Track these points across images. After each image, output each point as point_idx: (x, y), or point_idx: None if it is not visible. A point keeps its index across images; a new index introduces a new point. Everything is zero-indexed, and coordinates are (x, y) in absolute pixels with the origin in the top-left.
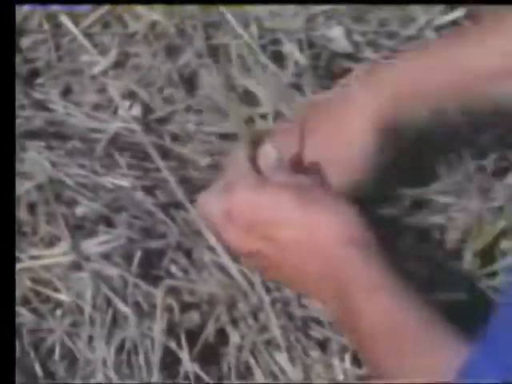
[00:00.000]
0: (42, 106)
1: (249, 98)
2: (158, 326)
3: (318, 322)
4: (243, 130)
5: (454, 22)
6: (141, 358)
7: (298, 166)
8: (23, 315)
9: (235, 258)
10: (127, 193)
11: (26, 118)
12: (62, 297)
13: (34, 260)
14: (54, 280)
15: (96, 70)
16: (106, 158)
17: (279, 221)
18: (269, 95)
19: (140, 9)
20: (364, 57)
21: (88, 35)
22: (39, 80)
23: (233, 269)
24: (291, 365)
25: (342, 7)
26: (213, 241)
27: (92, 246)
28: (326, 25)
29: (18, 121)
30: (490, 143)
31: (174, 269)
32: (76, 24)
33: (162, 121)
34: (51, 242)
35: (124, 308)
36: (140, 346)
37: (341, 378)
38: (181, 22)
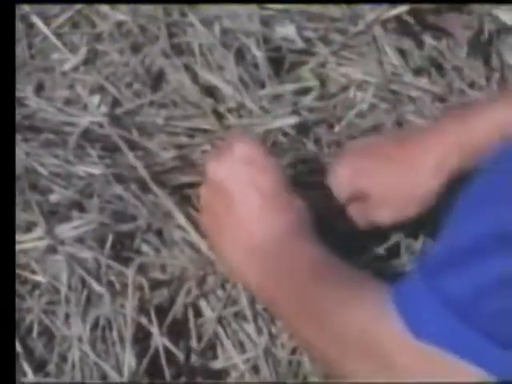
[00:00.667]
0: (17, 101)
1: (213, 93)
2: (130, 304)
3: None
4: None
5: (398, 17)
6: (114, 333)
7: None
8: None
9: (203, 234)
10: (98, 180)
11: None
12: (39, 278)
13: None
14: (32, 263)
15: (66, 66)
16: (78, 149)
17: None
18: (232, 90)
19: (106, 9)
20: (315, 51)
21: (58, 34)
22: None
23: (202, 245)
24: (258, 334)
25: (295, 6)
26: (182, 220)
27: (66, 230)
28: (281, 23)
29: None
30: None
31: (145, 248)
32: (47, 24)
33: (130, 114)
34: (28, 227)
35: (98, 287)
36: (113, 322)
37: None
38: (146, 21)
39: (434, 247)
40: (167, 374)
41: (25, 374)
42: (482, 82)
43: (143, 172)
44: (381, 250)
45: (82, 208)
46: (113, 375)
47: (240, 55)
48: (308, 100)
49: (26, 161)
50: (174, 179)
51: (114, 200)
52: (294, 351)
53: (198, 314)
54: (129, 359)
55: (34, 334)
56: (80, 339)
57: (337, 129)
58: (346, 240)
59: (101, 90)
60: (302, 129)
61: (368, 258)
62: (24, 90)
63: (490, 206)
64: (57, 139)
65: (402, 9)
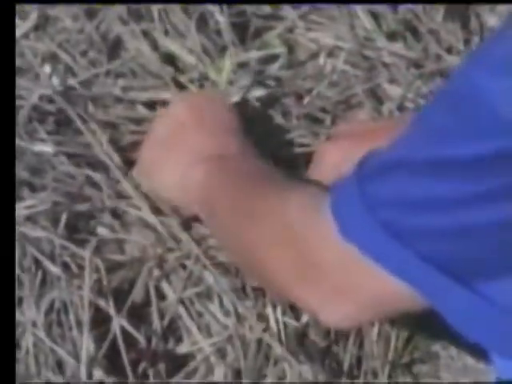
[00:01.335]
0: None
1: (173, 62)
2: (87, 286)
3: None
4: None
5: None
6: (71, 317)
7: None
8: None
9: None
10: (50, 158)
11: None
12: None
13: None
14: None
15: (16, 33)
16: (29, 124)
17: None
18: (194, 58)
19: None
20: (283, 15)
21: None
22: None
23: (157, 225)
24: (224, 315)
25: None
26: (137, 199)
27: (17, 209)
28: None
29: None
30: None
31: (100, 229)
32: None
33: (85, 84)
34: None
35: (53, 268)
36: (70, 306)
37: (274, 327)
38: None
39: (380, 151)
40: (126, 359)
41: None
42: (460, 46)
43: (98, 149)
44: None
45: (33, 187)
46: (70, 361)
47: (202, 21)
48: (275, 69)
49: None
50: (133, 154)
51: (67, 179)
52: (262, 333)
53: (160, 296)
54: (87, 344)
55: None
56: (34, 324)
57: (306, 100)
58: None
59: (53, 58)
60: (270, 101)
61: None
62: None
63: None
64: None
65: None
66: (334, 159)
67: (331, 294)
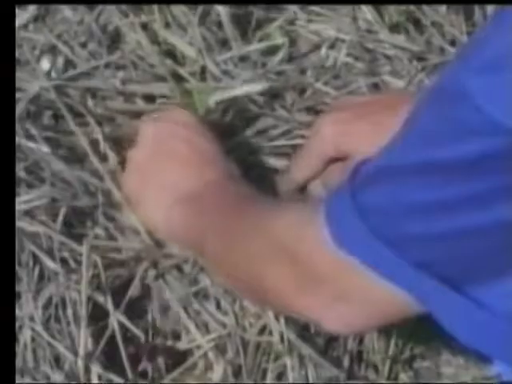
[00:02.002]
0: None
1: (174, 55)
2: (85, 281)
3: None
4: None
5: None
6: (69, 312)
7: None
8: None
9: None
10: (46, 155)
11: None
12: None
13: None
14: None
15: (15, 24)
16: (27, 119)
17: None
18: (194, 51)
19: None
20: (283, 7)
21: None
22: None
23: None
24: (222, 314)
25: None
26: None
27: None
28: None
29: None
30: None
31: (97, 230)
32: None
33: (84, 76)
34: None
35: (51, 264)
36: (68, 301)
37: (273, 324)
38: None
39: (370, 158)
40: (124, 354)
41: None
42: (463, 39)
43: (87, 148)
44: None
45: (30, 182)
46: (67, 356)
47: (203, 13)
48: (276, 61)
49: None
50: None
51: (63, 176)
52: (262, 331)
53: (157, 293)
54: (84, 339)
55: None
56: (32, 318)
57: (308, 93)
58: None
59: (52, 50)
60: (271, 94)
61: None
62: None
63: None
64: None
65: None
66: (332, 131)
67: (331, 301)
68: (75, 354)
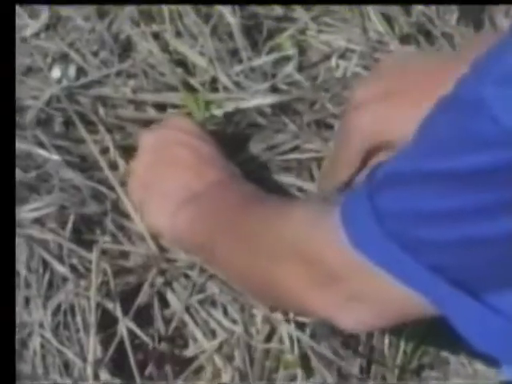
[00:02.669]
0: None
1: (185, 64)
2: (94, 288)
3: None
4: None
5: None
6: (78, 319)
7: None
8: None
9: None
10: (56, 164)
11: None
12: None
13: None
14: None
15: (27, 33)
16: (37, 127)
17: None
18: (205, 62)
19: None
20: (294, 17)
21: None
22: None
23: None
24: (230, 321)
25: None
26: (131, 211)
27: (24, 212)
28: None
29: None
30: None
31: (106, 237)
32: None
33: (95, 85)
34: None
35: (61, 269)
36: (77, 308)
37: (281, 331)
38: None
39: (388, 162)
40: (133, 361)
41: None
42: None
43: (97, 156)
44: None
45: (39, 190)
46: (76, 363)
47: (214, 23)
48: (287, 72)
49: None
50: None
51: (73, 184)
52: (270, 337)
53: (165, 301)
54: (93, 346)
55: None
56: (41, 325)
57: (318, 105)
58: None
59: (64, 58)
60: (281, 107)
61: None
62: None
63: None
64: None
65: None
66: (370, 123)
67: (344, 300)
68: (84, 360)
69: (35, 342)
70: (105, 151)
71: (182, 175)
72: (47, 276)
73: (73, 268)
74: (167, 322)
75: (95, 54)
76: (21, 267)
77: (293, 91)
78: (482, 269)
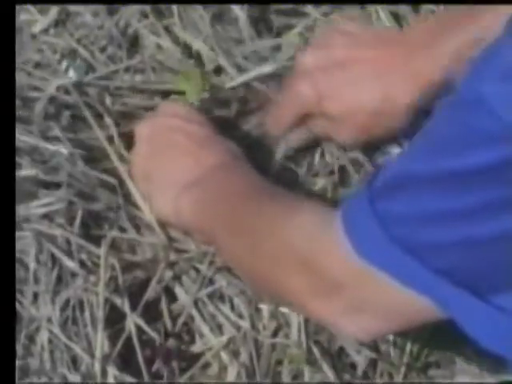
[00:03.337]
0: None
1: (193, 56)
2: (103, 283)
3: None
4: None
5: None
6: (86, 314)
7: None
8: None
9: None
10: (65, 157)
11: None
12: None
13: None
14: None
15: (36, 28)
16: (45, 121)
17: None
18: (213, 51)
19: None
20: (304, 12)
21: None
22: None
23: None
24: (237, 316)
25: None
26: (141, 203)
27: (33, 208)
28: None
29: None
30: None
31: (114, 230)
32: None
33: (104, 79)
34: None
35: (70, 264)
36: (85, 303)
37: (294, 328)
38: None
39: (387, 165)
40: (140, 357)
41: None
42: None
43: (106, 148)
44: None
45: (48, 185)
46: (84, 358)
47: (222, 17)
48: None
49: None
50: None
51: (82, 178)
52: (276, 332)
53: (173, 296)
54: (101, 341)
55: None
56: (49, 320)
57: None
58: None
59: (72, 54)
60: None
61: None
62: None
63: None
64: (23, 110)
65: None
66: (310, 93)
67: (348, 308)
68: (92, 355)
69: (43, 337)
70: (113, 142)
71: (182, 161)
72: (56, 271)
73: (82, 263)
74: (175, 317)
75: (103, 50)
76: (30, 262)
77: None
78: (487, 269)
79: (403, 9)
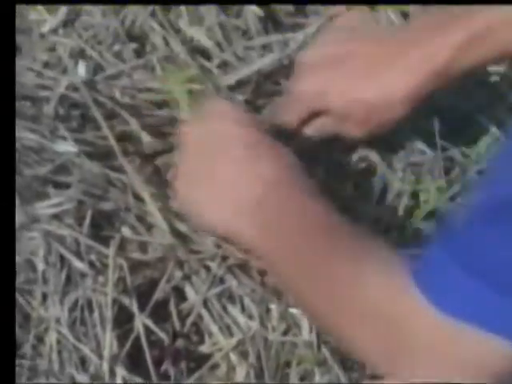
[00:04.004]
0: None
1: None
2: (111, 284)
3: None
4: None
5: None
6: (95, 315)
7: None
8: None
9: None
10: (74, 157)
11: None
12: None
13: None
14: None
15: (45, 28)
16: (54, 121)
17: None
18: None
19: None
20: (313, 11)
21: None
22: None
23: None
24: (246, 317)
25: None
26: (148, 201)
27: (43, 207)
28: None
29: None
30: None
31: (123, 229)
32: None
33: (113, 78)
34: None
35: (79, 264)
36: (94, 303)
37: (304, 329)
38: None
39: (459, 212)
40: (149, 357)
41: None
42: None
43: (117, 149)
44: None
45: (57, 185)
46: (93, 359)
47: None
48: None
49: None
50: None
51: (90, 178)
52: (286, 333)
53: (182, 296)
54: (109, 342)
55: None
56: (58, 320)
57: None
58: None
59: (81, 54)
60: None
61: None
62: None
63: None
64: (33, 110)
65: None
66: (306, 88)
67: (430, 369)
68: (100, 356)
69: (52, 338)
70: (122, 140)
71: (237, 173)
72: (65, 272)
73: (90, 264)
74: (184, 317)
75: (111, 49)
76: (38, 263)
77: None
78: None
79: (412, 8)
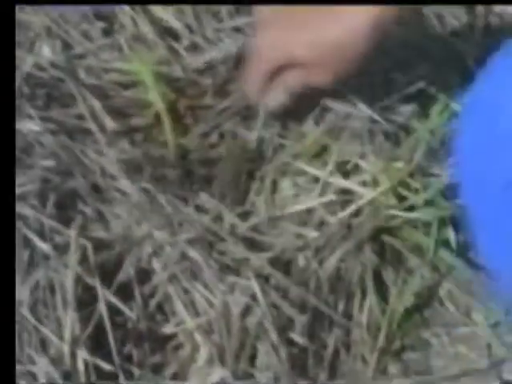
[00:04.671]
0: None
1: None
2: (73, 265)
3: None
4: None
5: None
6: (57, 296)
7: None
8: None
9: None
10: (37, 136)
11: None
12: None
13: None
14: None
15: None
16: (19, 100)
17: None
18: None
19: None
20: None
21: None
22: None
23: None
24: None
25: None
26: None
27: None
28: None
29: None
30: None
31: (87, 208)
32: None
33: (79, 57)
34: None
35: (42, 245)
36: (56, 284)
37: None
38: None
39: None
40: (112, 339)
41: None
42: (465, 30)
43: (91, 124)
44: None
45: (21, 164)
46: (53, 340)
47: None
48: None
49: None
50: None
51: (54, 156)
52: (247, 311)
53: (146, 274)
54: (71, 324)
55: None
56: (19, 302)
57: None
58: None
59: (48, 32)
60: None
61: None
62: None
63: None
64: None
65: None
66: (265, 47)
67: None
68: (61, 338)
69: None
70: (90, 117)
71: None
72: (27, 253)
73: (54, 245)
74: (148, 296)
75: (79, 29)
76: None
77: None
78: None
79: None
